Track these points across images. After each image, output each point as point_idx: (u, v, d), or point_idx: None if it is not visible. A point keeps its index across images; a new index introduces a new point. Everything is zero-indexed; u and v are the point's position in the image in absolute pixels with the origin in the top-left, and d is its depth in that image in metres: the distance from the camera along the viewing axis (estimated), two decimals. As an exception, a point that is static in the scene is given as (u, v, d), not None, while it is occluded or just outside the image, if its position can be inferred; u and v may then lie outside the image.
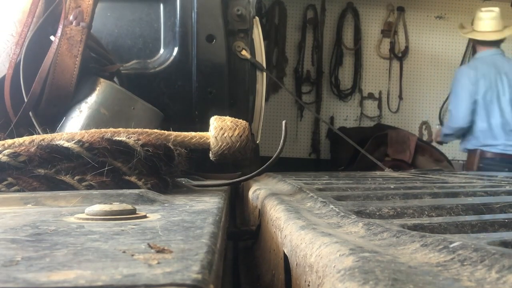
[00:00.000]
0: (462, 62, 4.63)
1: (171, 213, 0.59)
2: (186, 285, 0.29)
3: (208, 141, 0.97)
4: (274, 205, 0.77)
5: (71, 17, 1.46)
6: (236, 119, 1.01)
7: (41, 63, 1.43)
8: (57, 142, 0.79)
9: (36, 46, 1.47)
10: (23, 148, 0.78)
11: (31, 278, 0.29)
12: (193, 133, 0.98)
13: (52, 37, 1.51)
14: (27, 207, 0.65)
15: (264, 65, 2.30)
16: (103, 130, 0.87)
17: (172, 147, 0.89)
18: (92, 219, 0.52)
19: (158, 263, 0.33)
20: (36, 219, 0.54)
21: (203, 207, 0.66)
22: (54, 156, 0.78)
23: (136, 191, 0.73)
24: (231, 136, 0.96)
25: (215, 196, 0.82)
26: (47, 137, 0.82)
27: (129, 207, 0.55)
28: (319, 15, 4.67)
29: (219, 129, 0.97)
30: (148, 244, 0.39)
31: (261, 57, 2.28)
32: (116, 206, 0.54)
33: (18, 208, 0.64)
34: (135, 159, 0.82)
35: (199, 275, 0.31)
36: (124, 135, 0.84)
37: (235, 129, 0.97)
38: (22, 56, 1.44)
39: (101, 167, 0.79)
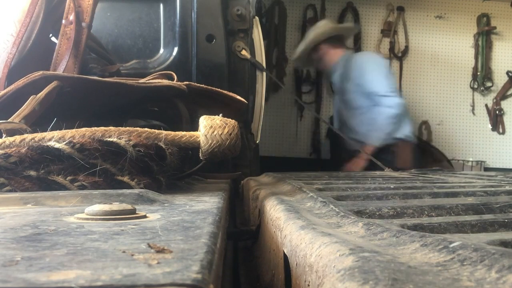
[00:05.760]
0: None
1: (171, 213, 0.59)
2: (186, 285, 0.29)
3: (198, 139, 0.97)
4: (274, 205, 0.77)
5: (71, 17, 1.46)
6: (225, 118, 1.01)
7: (41, 63, 1.43)
8: (48, 143, 0.79)
9: (36, 46, 1.47)
10: (13, 149, 0.77)
11: (31, 278, 0.29)
12: (183, 132, 0.98)
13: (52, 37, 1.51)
14: (27, 207, 0.65)
15: (264, 65, 2.30)
16: (93, 128, 0.87)
17: (163, 146, 0.89)
18: (92, 219, 0.52)
19: (158, 263, 0.33)
20: (36, 219, 0.54)
21: (203, 207, 0.66)
22: (45, 157, 0.78)
23: (136, 191, 0.73)
24: (221, 134, 0.97)
25: (215, 196, 0.82)
26: (38, 136, 0.82)
27: (129, 207, 0.55)
28: (319, 15, 4.67)
29: (209, 128, 0.97)
30: (148, 244, 0.39)
31: (261, 57, 2.28)
32: (116, 206, 0.54)
33: (18, 208, 0.64)
34: (126, 160, 0.82)
35: (199, 275, 0.31)
36: (115, 135, 0.84)
37: (225, 127, 0.98)
38: (23, 55, 1.44)
39: (93, 168, 0.79)
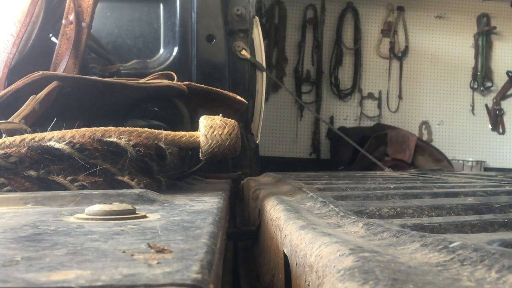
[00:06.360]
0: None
1: (171, 213, 0.59)
2: (186, 285, 0.29)
3: (198, 139, 0.98)
4: (274, 205, 0.77)
5: (71, 17, 1.46)
6: (225, 118, 1.01)
7: (41, 63, 1.43)
8: (48, 143, 0.79)
9: (36, 46, 1.47)
10: (14, 149, 0.77)
11: (31, 278, 0.29)
12: (183, 132, 0.99)
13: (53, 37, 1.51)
14: (27, 207, 0.65)
15: (264, 65, 2.30)
16: (93, 128, 0.87)
17: (163, 146, 0.90)
18: (92, 219, 0.52)
19: (158, 263, 0.33)
20: (36, 219, 0.54)
21: (203, 207, 0.66)
22: (45, 157, 0.78)
23: (136, 191, 0.73)
24: (221, 134, 0.97)
25: (215, 196, 0.82)
26: (38, 136, 0.82)
27: (129, 207, 0.55)
28: (319, 14, 4.67)
29: (209, 128, 0.98)
30: (148, 244, 0.39)
31: (261, 57, 2.28)
32: (116, 206, 0.54)
33: (18, 208, 0.64)
34: (126, 160, 0.82)
35: (199, 275, 0.31)
36: (115, 135, 0.84)
37: (225, 127, 0.98)
38: (23, 55, 1.44)
39: (93, 168, 0.79)
